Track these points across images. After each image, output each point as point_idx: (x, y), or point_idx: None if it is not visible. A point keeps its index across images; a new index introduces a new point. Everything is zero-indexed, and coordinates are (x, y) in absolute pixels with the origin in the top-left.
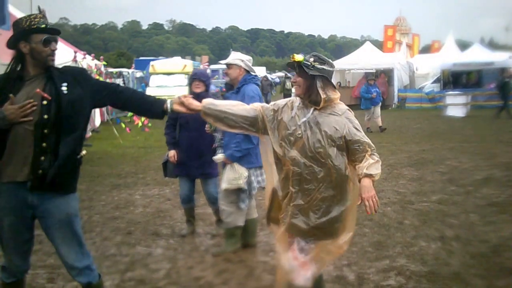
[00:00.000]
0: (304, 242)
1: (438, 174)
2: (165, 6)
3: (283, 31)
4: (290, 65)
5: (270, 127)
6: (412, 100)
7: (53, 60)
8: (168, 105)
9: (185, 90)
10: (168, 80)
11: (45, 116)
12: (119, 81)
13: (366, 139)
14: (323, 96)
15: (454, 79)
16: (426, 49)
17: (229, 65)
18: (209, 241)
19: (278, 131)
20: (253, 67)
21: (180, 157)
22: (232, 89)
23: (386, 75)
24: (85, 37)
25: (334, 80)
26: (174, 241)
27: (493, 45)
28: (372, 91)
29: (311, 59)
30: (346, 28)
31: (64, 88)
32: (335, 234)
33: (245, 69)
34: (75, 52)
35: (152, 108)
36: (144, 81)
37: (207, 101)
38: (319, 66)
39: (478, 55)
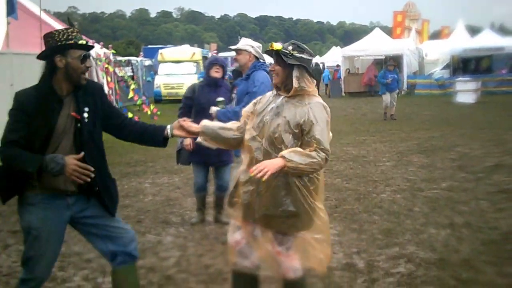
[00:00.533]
0: (281, 235)
1: (448, 161)
2: None
3: (291, 18)
4: (269, 53)
5: (249, 119)
6: (421, 87)
7: (85, 78)
8: (168, 131)
9: (194, 78)
10: (177, 68)
11: (82, 138)
12: (127, 70)
13: (320, 136)
14: (295, 85)
15: (464, 65)
16: (436, 35)
17: (238, 51)
18: (219, 229)
19: (251, 120)
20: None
21: (197, 144)
22: (240, 76)
23: (395, 61)
24: (94, 26)
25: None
26: (184, 229)
27: (503, 30)
28: (389, 77)
29: (290, 47)
30: (355, 14)
31: (85, 115)
32: (296, 228)
33: (254, 56)
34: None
35: (154, 137)
36: (153, 69)
37: (204, 122)
38: (297, 55)
39: (489, 41)
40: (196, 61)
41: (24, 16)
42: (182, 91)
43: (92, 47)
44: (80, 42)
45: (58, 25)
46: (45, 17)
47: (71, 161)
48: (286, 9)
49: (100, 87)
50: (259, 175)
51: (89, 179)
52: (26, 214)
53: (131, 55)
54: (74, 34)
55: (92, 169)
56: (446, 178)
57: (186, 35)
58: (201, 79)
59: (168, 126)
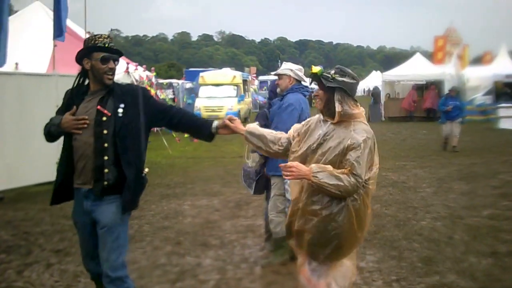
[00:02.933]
0: (316, 263)
1: (489, 188)
2: (215, 18)
3: (331, 42)
4: (313, 78)
5: (295, 139)
6: (463, 113)
7: (110, 78)
8: (214, 129)
9: (234, 101)
10: (217, 91)
11: (105, 132)
12: (169, 92)
13: (356, 161)
14: (337, 109)
15: (507, 91)
16: (477, 60)
17: (279, 75)
18: (258, 253)
19: (298, 142)
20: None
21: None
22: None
23: (436, 87)
24: (137, 49)
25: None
26: (223, 252)
27: None
28: (449, 104)
29: (332, 71)
30: (395, 39)
31: (120, 110)
32: (335, 258)
33: (295, 79)
34: (127, 64)
35: (200, 132)
36: (193, 92)
37: (250, 129)
38: (339, 79)
39: None
40: (236, 84)
41: (69, 38)
42: (222, 113)
43: (118, 51)
44: (102, 45)
45: None
46: None
47: (66, 116)
48: (326, 33)
49: (143, 89)
50: (284, 173)
51: (85, 126)
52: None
53: (173, 78)
54: (101, 39)
55: (86, 117)
56: (487, 205)
57: (226, 58)
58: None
59: (214, 124)
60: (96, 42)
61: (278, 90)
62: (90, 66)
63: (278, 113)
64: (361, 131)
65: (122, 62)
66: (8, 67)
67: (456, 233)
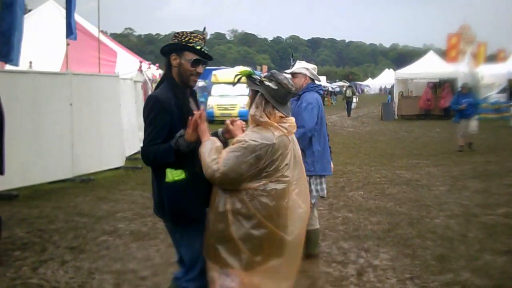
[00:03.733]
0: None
1: (504, 187)
2: (227, 17)
3: (344, 40)
4: (239, 78)
5: None
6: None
7: (195, 80)
8: (220, 136)
9: (246, 100)
10: (230, 89)
11: None
12: None
13: (227, 156)
14: (251, 112)
15: None
16: (492, 58)
17: (294, 74)
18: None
19: None
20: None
21: None
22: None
23: (450, 84)
24: (149, 47)
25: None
26: None
27: None
28: (462, 102)
29: (264, 75)
30: (408, 36)
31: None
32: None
33: (310, 78)
34: (141, 62)
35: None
36: (206, 90)
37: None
38: (265, 83)
39: None
40: None
41: (82, 37)
42: (235, 112)
43: (209, 56)
44: (197, 47)
45: (115, 46)
46: (102, 38)
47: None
48: (338, 31)
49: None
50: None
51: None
52: None
53: None
54: (196, 39)
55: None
56: (502, 204)
57: (239, 56)
58: None
59: (219, 130)
60: (191, 41)
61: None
62: (177, 64)
63: (298, 113)
64: (255, 134)
65: (135, 61)
66: (22, 65)
67: (470, 231)
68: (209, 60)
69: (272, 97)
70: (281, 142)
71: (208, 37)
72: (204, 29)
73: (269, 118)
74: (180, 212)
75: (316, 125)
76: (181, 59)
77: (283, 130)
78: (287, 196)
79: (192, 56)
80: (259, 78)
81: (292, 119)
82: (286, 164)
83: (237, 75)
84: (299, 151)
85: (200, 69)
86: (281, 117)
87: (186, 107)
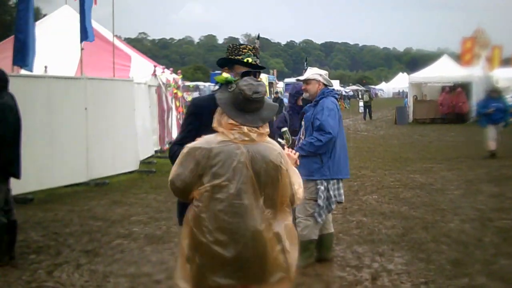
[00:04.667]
0: None
1: None
2: (241, 21)
3: (357, 44)
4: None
5: None
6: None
7: None
8: None
9: None
10: None
11: None
12: (195, 94)
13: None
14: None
15: None
16: (507, 62)
17: (307, 81)
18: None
19: None
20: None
21: None
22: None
23: (464, 89)
24: (163, 52)
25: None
26: None
27: None
28: (490, 106)
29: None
30: (422, 40)
31: None
32: None
33: (323, 83)
34: (155, 66)
35: None
36: None
37: None
38: (229, 90)
39: None
40: None
41: (97, 42)
42: None
43: (260, 67)
44: (245, 59)
45: (129, 50)
46: (117, 42)
47: None
48: (352, 36)
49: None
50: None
51: None
52: None
53: (199, 80)
54: (245, 51)
55: None
56: None
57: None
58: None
59: None
60: (240, 53)
61: (306, 95)
62: None
63: (317, 119)
64: (202, 139)
65: (150, 65)
66: (37, 70)
67: (485, 235)
68: (259, 70)
69: (224, 103)
70: (223, 148)
71: (258, 45)
72: (258, 36)
73: (219, 125)
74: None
75: None
76: (231, 72)
77: (230, 136)
78: (224, 205)
79: (241, 69)
80: (234, 85)
81: (253, 129)
82: (227, 173)
83: (217, 79)
84: (267, 166)
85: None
86: (232, 124)
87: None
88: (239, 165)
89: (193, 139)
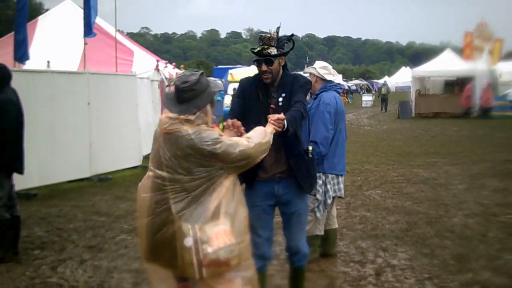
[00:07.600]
0: None
1: None
2: (243, 15)
3: (360, 38)
4: None
5: None
6: (495, 108)
7: (265, 78)
8: None
9: None
10: None
11: None
12: None
13: None
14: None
15: None
16: (510, 55)
17: None
18: None
19: None
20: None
21: None
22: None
23: (467, 82)
24: (166, 46)
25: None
26: None
27: None
28: None
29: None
30: (425, 33)
31: (280, 99)
32: None
33: (319, 77)
34: (157, 61)
35: None
36: (222, 89)
37: None
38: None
39: None
40: None
41: (99, 37)
42: None
43: (263, 54)
44: (255, 50)
45: (132, 45)
46: (119, 37)
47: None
48: (354, 30)
49: (294, 78)
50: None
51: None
52: None
53: None
54: (260, 42)
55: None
56: None
57: (255, 55)
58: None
59: None
60: (256, 46)
61: None
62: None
63: (315, 114)
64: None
65: (152, 60)
66: (40, 65)
67: (490, 230)
68: (264, 58)
69: (165, 98)
70: (155, 134)
71: (277, 35)
72: (278, 27)
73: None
74: None
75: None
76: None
77: (159, 123)
78: (148, 189)
79: (255, 57)
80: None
81: (164, 117)
82: (153, 157)
83: None
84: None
85: (263, 67)
86: (166, 113)
87: (260, 94)
88: (159, 151)
89: (238, 109)
